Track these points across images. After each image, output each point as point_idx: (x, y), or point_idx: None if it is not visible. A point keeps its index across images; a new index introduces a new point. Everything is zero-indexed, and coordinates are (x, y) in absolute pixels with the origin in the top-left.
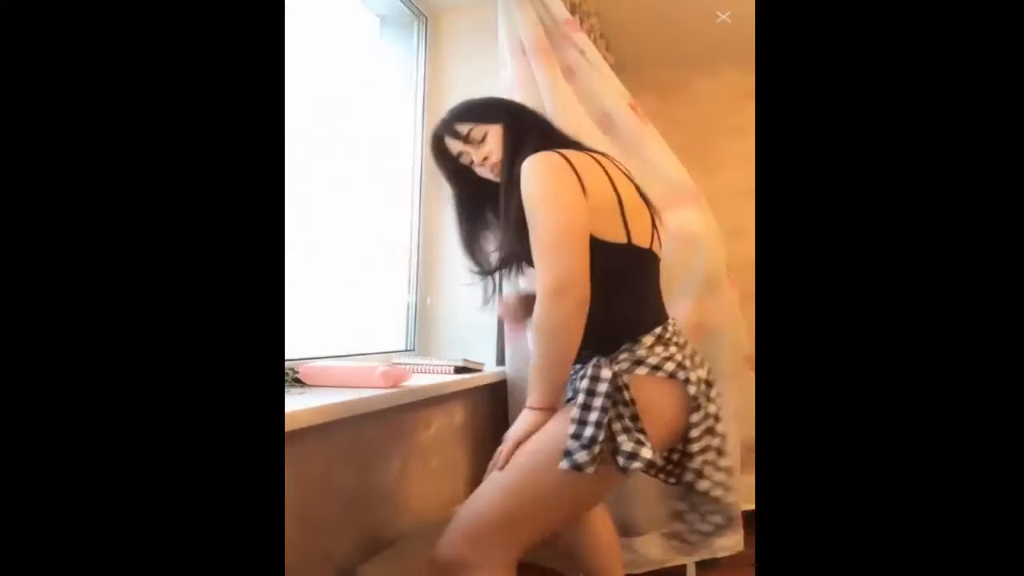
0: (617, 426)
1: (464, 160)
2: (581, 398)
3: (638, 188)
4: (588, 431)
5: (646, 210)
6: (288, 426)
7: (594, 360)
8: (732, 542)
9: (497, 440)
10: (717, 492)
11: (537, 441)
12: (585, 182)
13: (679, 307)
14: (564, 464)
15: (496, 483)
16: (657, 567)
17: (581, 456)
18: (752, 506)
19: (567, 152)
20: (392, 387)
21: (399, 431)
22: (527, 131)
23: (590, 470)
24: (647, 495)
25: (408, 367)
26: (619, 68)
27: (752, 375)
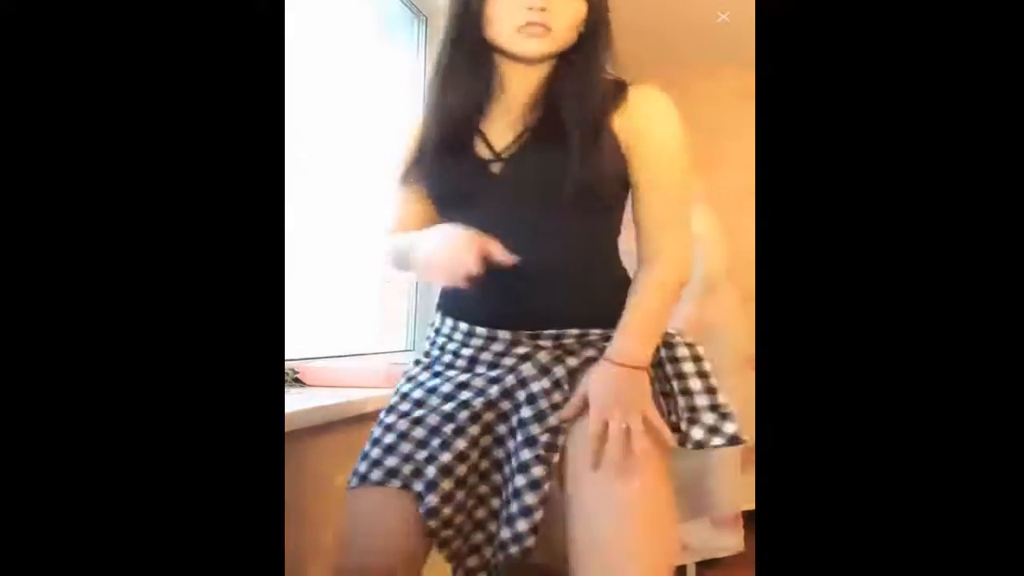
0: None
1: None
2: (705, 369)
3: None
4: (724, 400)
5: None
6: (288, 426)
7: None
8: (732, 542)
9: None
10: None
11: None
12: None
13: (679, 307)
14: (719, 441)
15: (643, 484)
16: None
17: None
18: (752, 506)
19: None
20: (392, 387)
21: None
22: (603, 42)
23: None
24: None
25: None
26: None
27: (752, 375)
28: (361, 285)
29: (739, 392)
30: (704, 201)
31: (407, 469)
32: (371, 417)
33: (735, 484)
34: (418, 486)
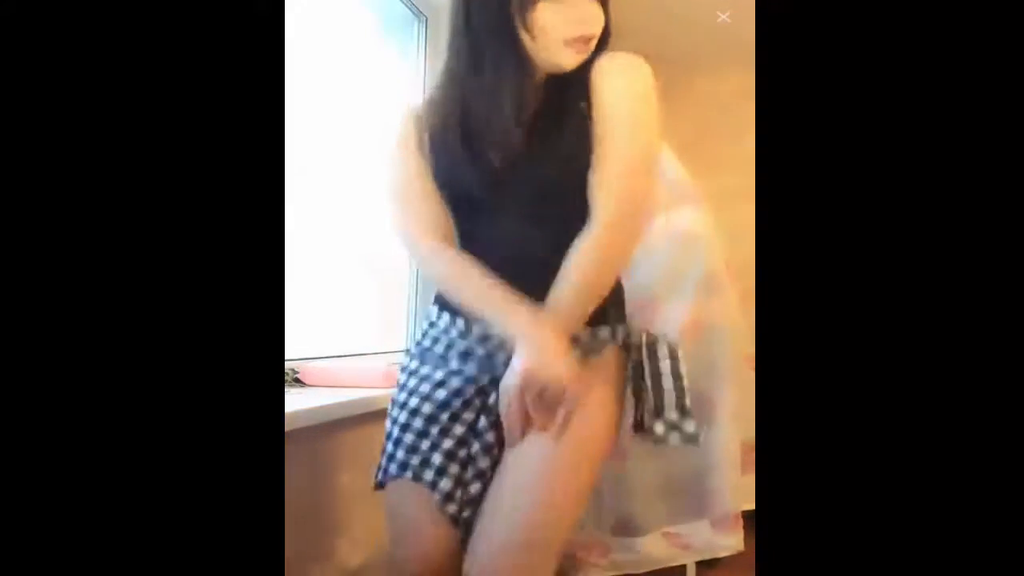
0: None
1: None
2: (677, 369)
3: None
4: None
5: None
6: (288, 426)
7: (653, 337)
8: (732, 542)
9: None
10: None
11: (611, 407)
12: None
13: (679, 307)
14: (676, 440)
15: (564, 454)
16: (657, 567)
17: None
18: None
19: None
20: (392, 387)
21: None
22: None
23: None
24: (648, 495)
25: None
26: None
27: (752, 375)
28: (361, 285)
29: (739, 392)
30: (704, 201)
31: (415, 460)
32: (371, 417)
33: (735, 484)
34: (428, 475)
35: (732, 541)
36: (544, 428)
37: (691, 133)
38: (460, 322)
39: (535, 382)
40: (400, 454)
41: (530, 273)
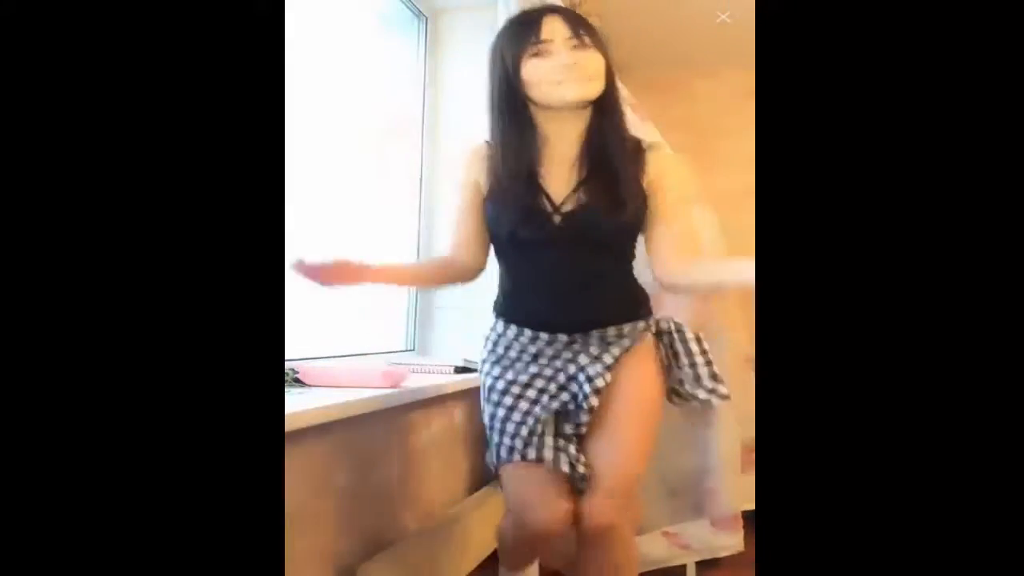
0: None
1: (541, 45)
2: (705, 347)
3: None
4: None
5: None
6: (288, 426)
7: (678, 324)
8: (732, 542)
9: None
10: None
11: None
12: None
13: (679, 307)
14: (716, 397)
15: (638, 433)
16: (657, 567)
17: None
18: (752, 506)
19: None
20: (392, 387)
21: (399, 431)
22: (618, 92)
23: None
24: (648, 495)
25: (408, 367)
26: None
27: (752, 375)
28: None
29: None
30: (704, 201)
31: (520, 444)
32: (371, 417)
33: (735, 484)
34: (531, 454)
35: (732, 541)
36: None
37: (691, 133)
38: (527, 331)
39: None
40: (507, 441)
41: (571, 299)
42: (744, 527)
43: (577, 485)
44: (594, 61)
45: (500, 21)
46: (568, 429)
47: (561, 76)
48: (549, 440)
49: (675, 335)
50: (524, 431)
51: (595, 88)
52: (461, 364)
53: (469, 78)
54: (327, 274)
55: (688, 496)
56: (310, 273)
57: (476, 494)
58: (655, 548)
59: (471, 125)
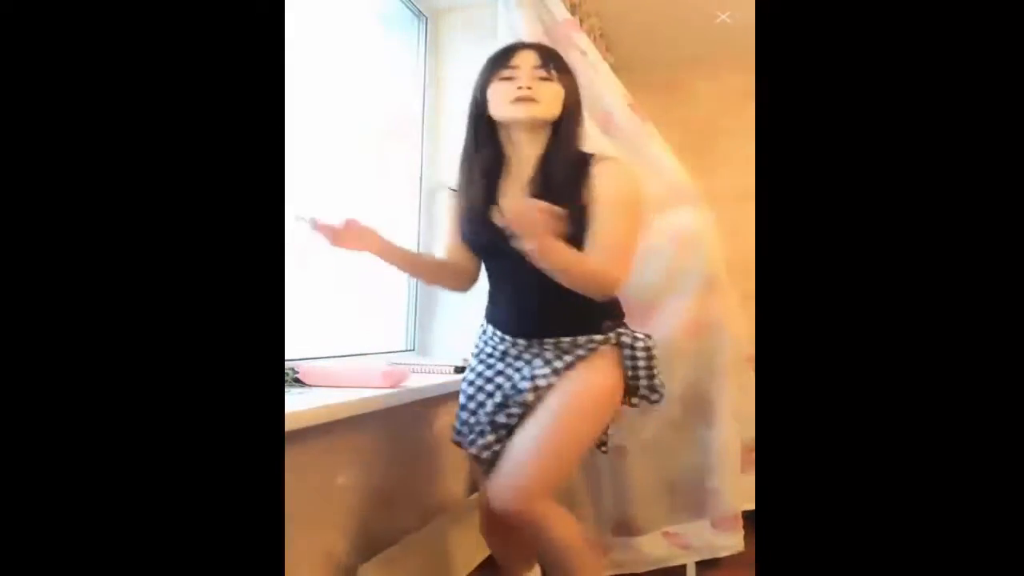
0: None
1: (508, 70)
2: (651, 360)
3: None
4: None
5: None
6: (288, 426)
7: (638, 336)
8: (732, 542)
9: None
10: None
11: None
12: None
13: (679, 306)
14: (655, 397)
15: (557, 420)
16: (657, 566)
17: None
18: (752, 506)
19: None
20: (392, 387)
21: (399, 431)
22: (578, 120)
23: None
24: (648, 495)
25: (408, 367)
26: (619, 68)
27: (752, 375)
28: (361, 285)
29: (739, 392)
30: (704, 201)
31: (464, 429)
32: (371, 417)
33: (735, 484)
34: (458, 439)
35: (732, 541)
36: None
37: (691, 133)
38: (499, 334)
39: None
40: (456, 425)
41: (526, 309)
42: (744, 527)
43: (485, 469)
44: (551, 91)
45: (499, 21)
46: (501, 419)
47: (514, 96)
48: (480, 428)
49: (636, 345)
50: (464, 416)
51: (545, 111)
52: (461, 364)
53: (469, 78)
54: (338, 235)
55: (688, 496)
56: (323, 231)
57: (476, 494)
58: (655, 548)
59: None
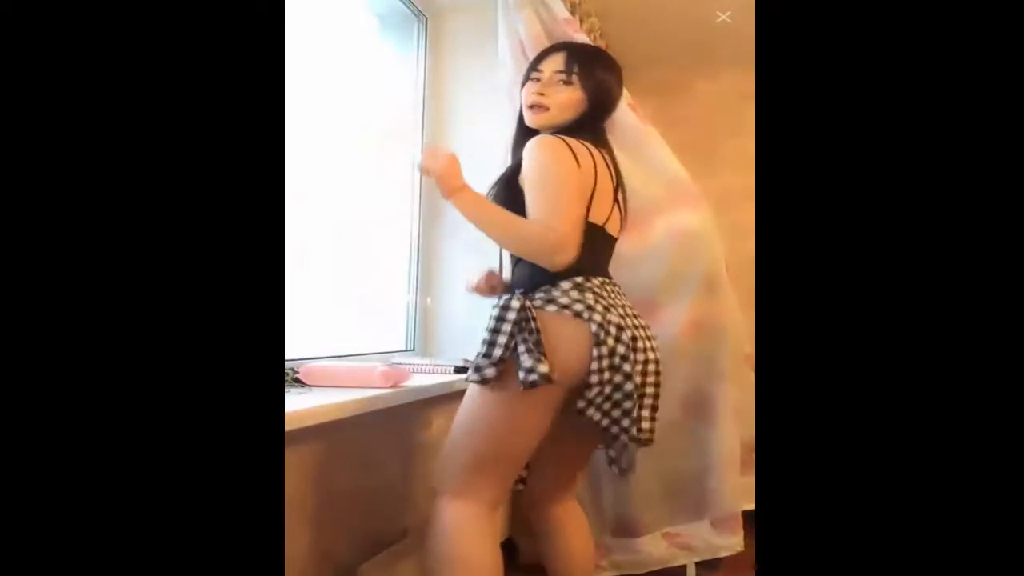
0: (521, 348)
1: (534, 73)
2: (491, 324)
3: (612, 173)
4: (496, 351)
5: (611, 192)
6: (288, 426)
7: (507, 296)
8: (732, 542)
9: None
10: (606, 423)
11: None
12: (578, 156)
13: (679, 306)
14: (474, 377)
15: (457, 427)
16: (658, 567)
17: (488, 371)
18: (752, 506)
19: (565, 136)
20: (392, 387)
21: (399, 431)
22: (595, 123)
23: (494, 381)
24: (648, 496)
25: (408, 367)
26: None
27: (752, 375)
28: (361, 285)
29: (739, 392)
30: (704, 201)
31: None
32: (371, 417)
33: (735, 484)
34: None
35: (732, 541)
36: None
37: (691, 133)
38: None
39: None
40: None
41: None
42: (744, 527)
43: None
44: (567, 97)
45: (499, 21)
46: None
47: (529, 102)
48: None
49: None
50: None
51: (554, 120)
52: (461, 364)
53: (469, 78)
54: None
55: (688, 496)
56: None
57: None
58: (655, 548)
59: (470, 125)
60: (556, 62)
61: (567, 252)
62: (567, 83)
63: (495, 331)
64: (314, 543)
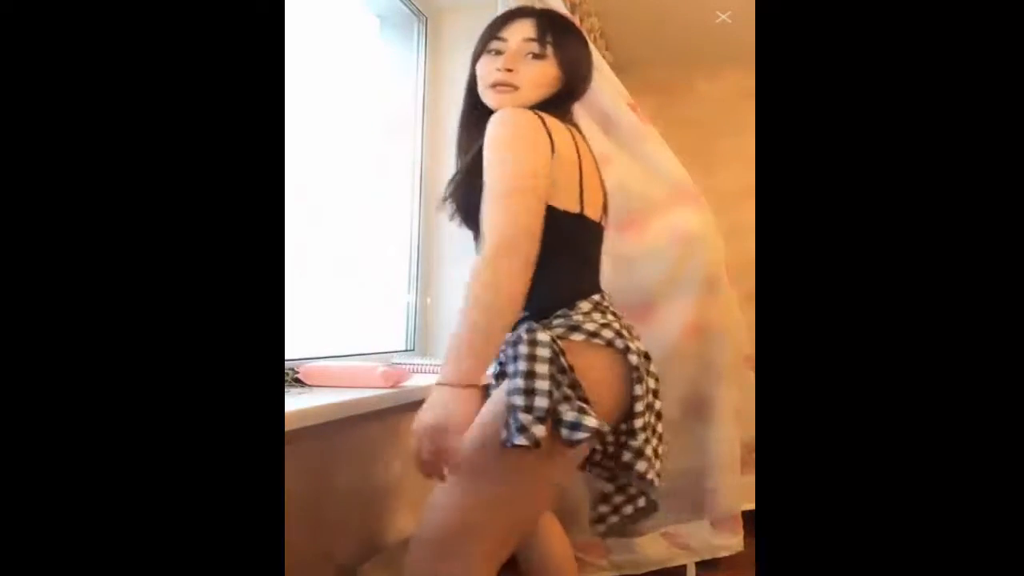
0: (556, 395)
1: (496, 42)
2: (523, 366)
3: (592, 153)
4: (540, 401)
5: (600, 183)
6: (288, 426)
7: (527, 325)
8: (732, 542)
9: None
10: (652, 474)
11: (482, 429)
12: (556, 142)
13: (679, 307)
14: (521, 440)
15: (451, 487)
16: (657, 567)
17: (538, 430)
18: (752, 506)
19: (541, 112)
20: (392, 387)
21: (399, 431)
22: (570, 100)
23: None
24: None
25: (408, 367)
26: (619, 68)
27: (752, 375)
28: (361, 285)
29: (739, 392)
30: (704, 201)
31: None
32: (371, 417)
33: (734, 484)
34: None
35: (732, 541)
36: (442, 473)
37: (691, 133)
38: None
39: (426, 433)
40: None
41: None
42: (744, 527)
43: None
44: (538, 72)
45: None
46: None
47: (492, 80)
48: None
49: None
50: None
51: (523, 99)
52: None
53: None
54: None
55: (688, 496)
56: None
57: None
58: (655, 548)
59: None
60: (524, 29)
61: (533, 260)
62: (539, 56)
63: (530, 375)
64: (314, 543)
